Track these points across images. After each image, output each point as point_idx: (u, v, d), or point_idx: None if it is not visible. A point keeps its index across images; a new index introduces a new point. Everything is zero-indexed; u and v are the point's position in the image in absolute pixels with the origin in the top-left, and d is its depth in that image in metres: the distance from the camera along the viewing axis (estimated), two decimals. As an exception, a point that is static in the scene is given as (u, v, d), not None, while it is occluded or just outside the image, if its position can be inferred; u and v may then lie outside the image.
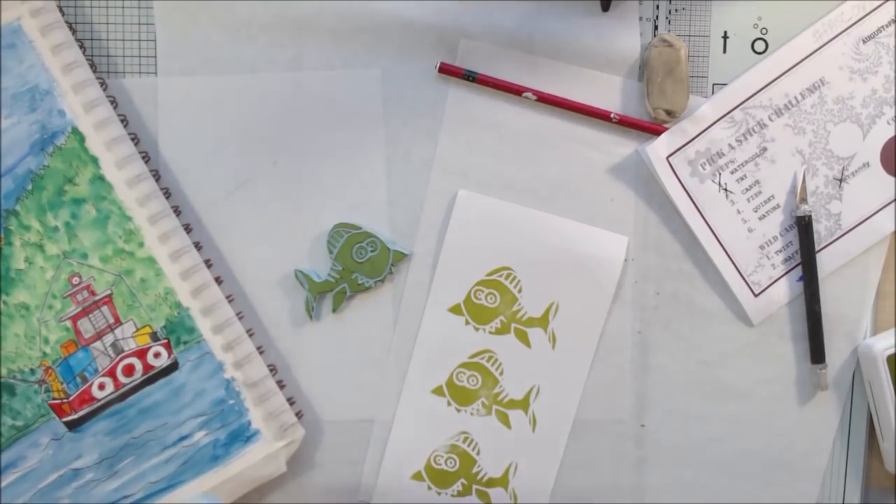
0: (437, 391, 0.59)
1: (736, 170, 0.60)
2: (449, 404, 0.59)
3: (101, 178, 0.56)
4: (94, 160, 0.56)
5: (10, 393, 0.55)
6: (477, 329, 0.59)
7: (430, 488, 0.60)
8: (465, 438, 0.60)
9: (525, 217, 0.59)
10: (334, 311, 0.59)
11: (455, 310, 0.59)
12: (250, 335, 0.57)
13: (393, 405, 0.60)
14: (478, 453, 0.60)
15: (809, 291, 0.60)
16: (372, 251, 0.58)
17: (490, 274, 0.59)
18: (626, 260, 0.60)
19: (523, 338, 0.59)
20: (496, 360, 0.59)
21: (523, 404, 0.60)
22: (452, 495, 0.60)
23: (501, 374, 0.59)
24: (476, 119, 0.59)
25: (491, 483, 0.60)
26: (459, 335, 0.59)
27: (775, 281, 0.60)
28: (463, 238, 0.59)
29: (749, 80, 0.59)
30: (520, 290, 0.59)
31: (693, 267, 0.60)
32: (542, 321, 0.59)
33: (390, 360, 0.59)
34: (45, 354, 0.56)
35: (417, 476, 0.60)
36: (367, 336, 0.59)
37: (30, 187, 0.55)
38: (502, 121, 0.59)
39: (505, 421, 0.60)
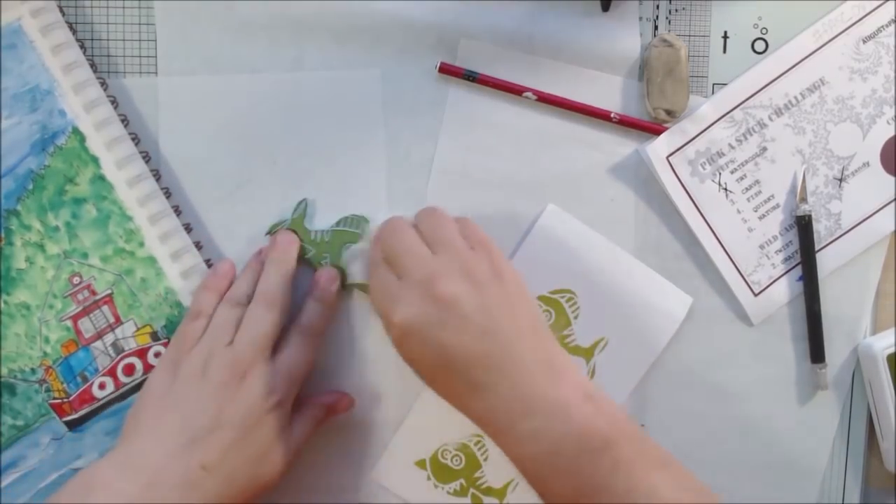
0: None
1: (736, 169, 0.60)
2: None
3: (102, 178, 0.56)
4: (95, 160, 0.56)
5: (10, 392, 0.56)
6: None
7: (429, 478, 0.60)
8: (478, 442, 0.60)
9: (602, 247, 0.59)
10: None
11: None
12: (250, 335, 0.57)
13: (396, 403, 0.60)
14: (485, 460, 0.60)
15: (809, 291, 0.60)
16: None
17: (553, 293, 0.59)
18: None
19: None
20: None
21: None
22: (448, 492, 0.60)
23: None
24: (476, 119, 0.59)
25: (488, 492, 0.60)
26: None
27: (775, 281, 0.60)
28: (538, 249, 0.59)
29: (749, 80, 0.59)
30: (576, 317, 0.59)
31: (693, 267, 0.60)
32: (588, 352, 0.59)
33: (393, 357, 0.59)
34: (45, 354, 0.56)
35: (420, 464, 0.60)
36: (367, 336, 0.59)
37: (30, 187, 0.55)
38: (502, 121, 0.59)
39: None
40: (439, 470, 0.60)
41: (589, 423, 0.47)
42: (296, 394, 0.53)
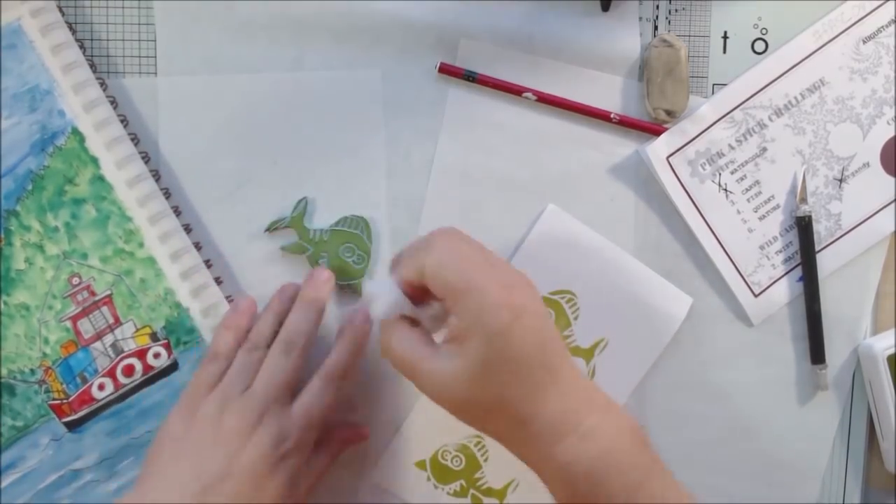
0: None
1: (736, 170, 0.60)
2: None
3: (101, 179, 0.56)
4: (94, 160, 0.56)
5: (10, 393, 0.55)
6: None
7: (428, 479, 0.60)
8: (479, 443, 0.60)
9: (602, 247, 0.59)
10: (282, 248, 0.58)
11: None
12: (250, 335, 0.57)
13: (396, 404, 0.60)
14: (486, 461, 0.60)
15: (809, 291, 0.60)
16: (355, 263, 0.58)
17: (553, 293, 0.59)
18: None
19: None
20: None
21: None
22: (448, 493, 0.60)
23: None
24: (476, 119, 0.59)
25: (489, 492, 0.60)
26: None
27: (775, 281, 0.60)
28: (539, 250, 0.59)
29: (749, 80, 0.59)
30: (576, 318, 0.59)
31: (693, 267, 0.60)
32: (588, 353, 0.59)
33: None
34: (45, 355, 0.56)
35: (420, 464, 0.60)
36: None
37: (30, 187, 0.55)
38: (502, 121, 0.59)
39: None
40: (439, 471, 0.60)
41: (632, 421, 0.48)
42: (314, 437, 0.53)
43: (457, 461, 0.60)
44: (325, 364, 0.54)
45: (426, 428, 0.60)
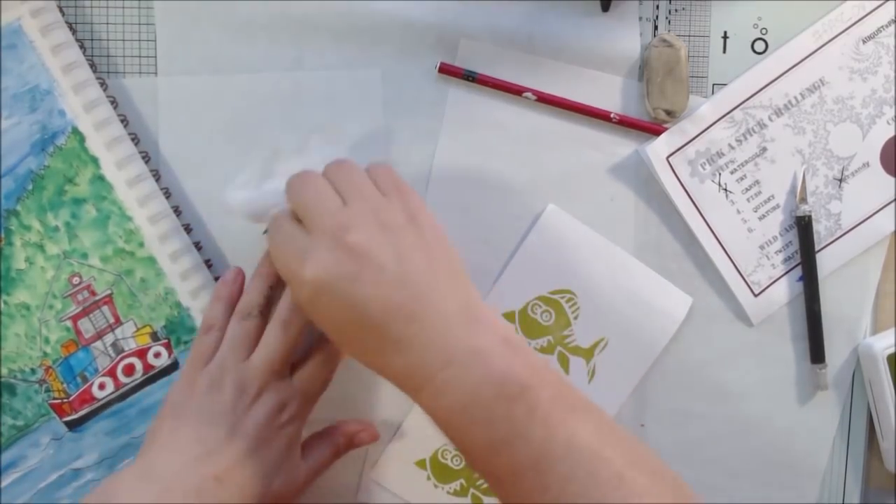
0: None
1: (736, 170, 0.60)
2: None
3: (102, 178, 0.56)
4: (95, 160, 0.56)
5: (10, 393, 0.55)
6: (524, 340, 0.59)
7: (429, 478, 0.60)
8: None
9: (602, 247, 0.59)
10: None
11: (509, 316, 0.59)
12: (250, 335, 0.57)
13: (396, 403, 0.60)
14: None
15: (809, 291, 0.60)
16: None
17: (552, 293, 0.59)
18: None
19: (564, 363, 0.59)
20: None
21: None
22: (449, 492, 0.60)
23: None
24: (476, 119, 0.59)
25: (489, 492, 0.60)
26: None
27: (775, 281, 0.60)
28: (539, 249, 0.59)
29: (749, 80, 0.59)
30: (576, 317, 0.59)
31: (693, 267, 0.60)
32: (588, 353, 0.59)
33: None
34: (45, 354, 0.56)
35: (421, 464, 0.60)
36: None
37: (30, 187, 0.55)
38: (502, 121, 0.59)
39: None
40: (439, 470, 0.60)
41: (506, 369, 0.45)
42: (310, 410, 0.53)
43: (457, 460, 0.60)
44: (323, 339, 0.54)
45: (426, 427, 0.59)
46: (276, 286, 0.54)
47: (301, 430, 0.53)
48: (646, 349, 0.60)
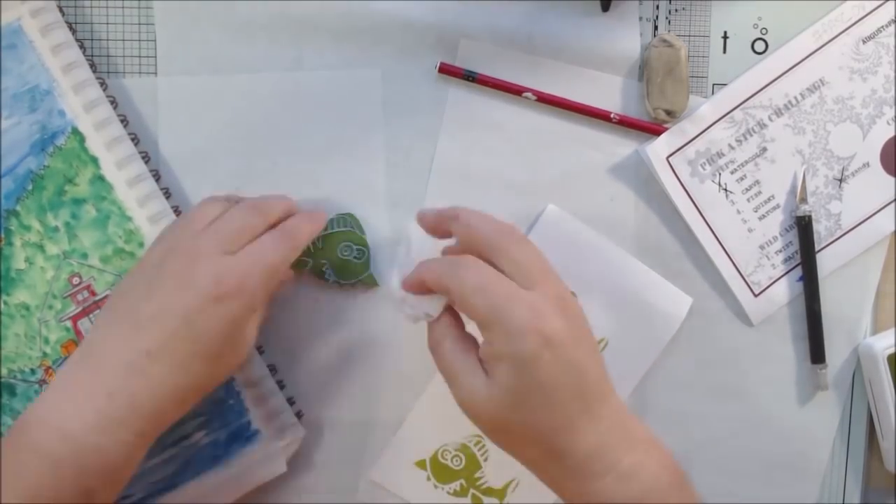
0: None
1: (736, 170, 0.60)
2: None
3: (101, 179, 0.56)
4: (94, 160, 0.56)
5: (10, 393, 0.55)
6: None
7: (429, 479, 0.60)
8: (478, 443, 0.60)
9: (601, 247, 0.59)
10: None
11: None
12: (250, 335, 0.57)
13: (396, 403, 0.60)
14: (485, 460, 0.60)
15: (809, 291, 0.60)
16: (356, 258, 0.58)
17: None
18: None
19: None
20: None
21: None
22: (448, 492, 0.60)
23: None
24: (476, 119, 0.59)
25: (489, 492, 0.60)
26: None
27: (775, 281, 0.60)
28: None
29: (749, 80, 0.59)
30: None
31: (693, 267, 0.60)
32: None
33: (393, 357, 0.59)
34: (45, 354, 0.56)
35: (420, 464, 0.60)
36: (367, 336, 0.59)
37: (30, 187, 0.55)
38: (502, 121, 0.59)
39: None
40: (439, 470, 0.60)
41: (672, 460, 0.47)
42: (264, 295, 0.49)
43: (457, 461, 0.60)
44: (285, 223, 0.51)
45: (426, 427, 0.60)
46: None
47: (248, 312, 0.49)
48: (646, 349, 0.60)
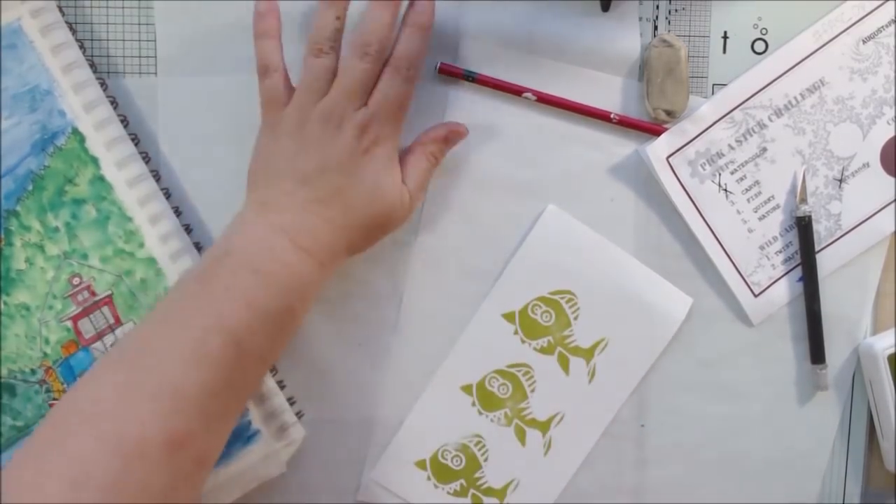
0: (466, 389, 0.59)
1: (736, 170, 0.60)
2: (473, 405, 0.60)
3: (102, 179, 0.56)
4: (95, 160, 0.56)
5: (10, 393, 0.55)
6: (524, 342, 0.59)
7: (429, 479, 0.60)
8: (478, 442, 0.60)
9: (602, 248, 0.59)
10: None
11: (509, 317, 0.59)
12: (250, 335, 0.57)
13: (396, 403, 0.60)
14: (485, 460, 0.60)
15: (809, 291, 0.60)
16: None
17: (553, 293, 0.59)
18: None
19: (565, 364, 0.59)
20: (532, 376, 0.59)
21: (544, 427, 0.60)
22: (448, 492, 0.60)
23: (533, 391, 0.59)
24: (476, 119, 0.59)
25: (489, 492, 0.60)
26: (505, 342, 0.59)
27: (775, 281, 0.60)
28: (539, 250, 0.59)
29: (749, 81, 0.59)
30: (576, 317, 0.59)
31: (693, 267, 0.60)
32: (588, 353, 0.59)
33: (393, 357, 0.59)
34: (45, 355, 0.56)
35: (420, 464, 0.60)
36: (367, 335, 0.59)
37: (30, 188, 0.55)
38: (502, 121, 0.59)
39: (521, 437, 0.60)
40: (439, 470, 0.60)
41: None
42: (398, 129, 0.54)
43: (457, 461, 0.60)
44: (394, 54, 0.54)
45: (426, 427, 0.60)
46: (343, 16, 0.53)
47: (393, 152, 0.54)
48: (646, 349, 0.60)
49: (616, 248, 0.59)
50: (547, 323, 0.59)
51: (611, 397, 0.60)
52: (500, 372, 0.59)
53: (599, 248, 0.59)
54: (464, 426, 0.60)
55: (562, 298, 0.59)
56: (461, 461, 0.60)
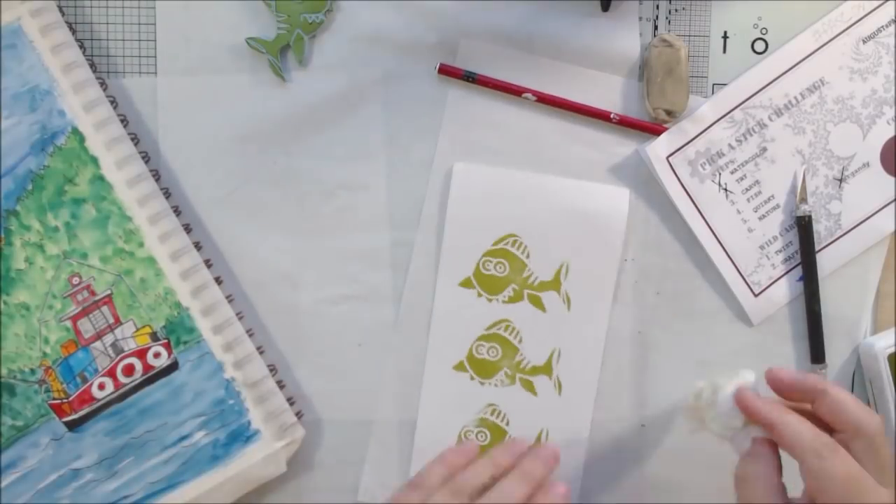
0: (459, 367, 0.59)
1: (736, 170, 0.60)
2: (472, 379, 0.59)
3: (101, 178, 0.56)
4: (94, 160, 0.56)
5: (10, 393, 0.55)
6: (490, 300, 0.59)
7: None
8: (494, 411, 0.59)
9: (524, 181, 0.59)
10: (301, 62, 0.57)
11: (466, 283, 0.59)
12: (250, 335, 0.57)
13: (396, 403, 0.60)
14: (507, 424, 0.59)
15: (809, 291, 0.60)
16: None
17: (496, 243, 0.59)
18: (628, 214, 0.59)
19: (537, 303, 0.59)
20: (514, 328, 0.59)
21: (546, 369, 0.59)
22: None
23: (520, 342, 0.59)
24: (476, 119, 0.59)
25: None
26: (474, 308, 0.59)
27: (775, 281, 0.60)
28: (465, 210, 0.59)
29: (749, 80, 0.59)
30: (528, 256, 0.59)
31: (693, 267, 0.60)
32: (554, 284, 0.59)
33: (393, 357, 0.59)
34: (45, 354, 0.56)
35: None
36: (367, 335, 0.59)
37: (30, 187, 0.55)
38: (502, 121, 0.59)
39: (530, 388, 0.59)
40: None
41: None
42: None
43: (482, 436, 0.59)
44: (521, 465, 0.52)
45: (440, 420, 0.60)
46: (499, 476, 0.52)
47: None
48: (606, 254, 0.59)
49: (534, 174, 0.59)
50: (503, 273, 0.59)
51: (595, 313, 0.59)
52: (482, 337, 0.59)
53: (520, 182, 0.59)
54: (473, 402, 0.59)
55: (507, 244, 0.59)
56: (486, 436, 0.60)
